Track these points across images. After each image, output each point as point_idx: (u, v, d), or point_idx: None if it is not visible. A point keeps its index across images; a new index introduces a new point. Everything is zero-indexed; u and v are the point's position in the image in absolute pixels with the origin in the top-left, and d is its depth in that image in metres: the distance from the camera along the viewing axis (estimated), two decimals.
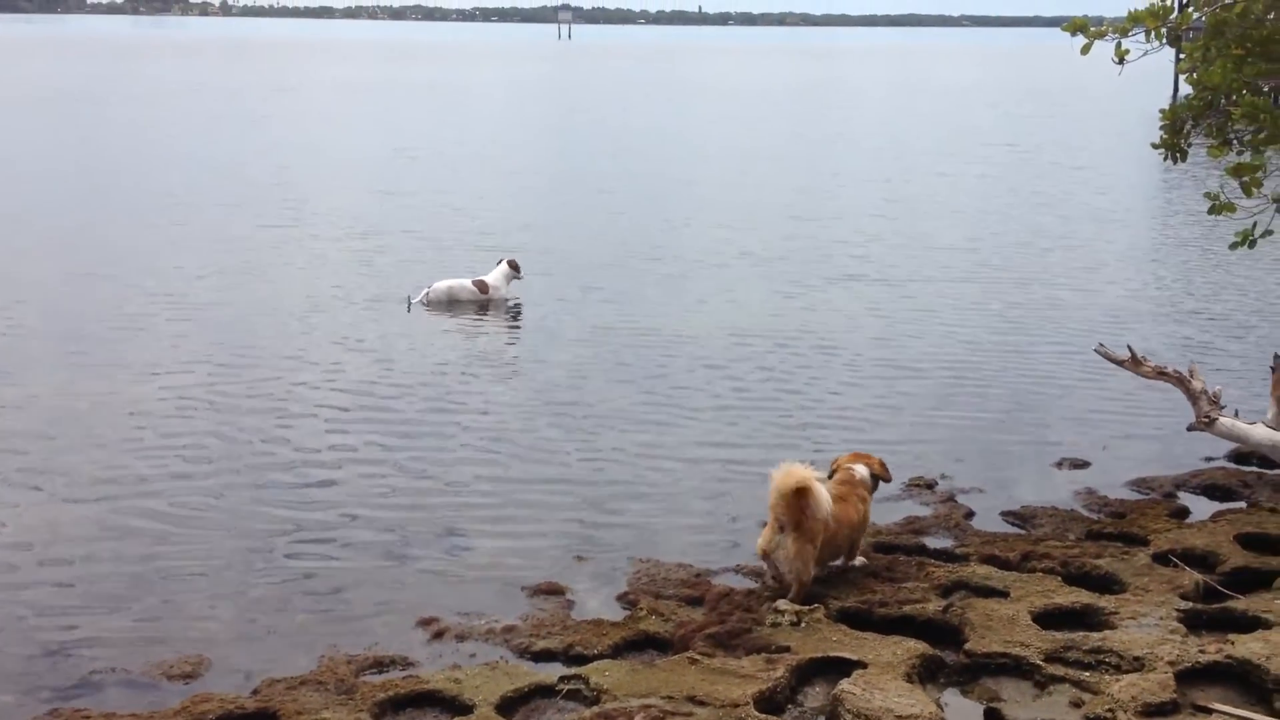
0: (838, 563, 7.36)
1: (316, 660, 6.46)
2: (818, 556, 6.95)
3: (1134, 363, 7.46)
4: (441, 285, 14.75)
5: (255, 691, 6.13)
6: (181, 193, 23.38)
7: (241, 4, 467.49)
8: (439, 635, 6.78)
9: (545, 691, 6.04)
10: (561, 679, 6.11)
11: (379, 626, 6.90)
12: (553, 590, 7.35)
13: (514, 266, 15.00)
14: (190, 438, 9.93)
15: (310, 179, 25.94)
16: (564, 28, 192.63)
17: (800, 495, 6.74)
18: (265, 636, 6.82)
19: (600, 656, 6.42)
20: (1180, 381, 7.09)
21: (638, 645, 6.63)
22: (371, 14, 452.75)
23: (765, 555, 7.03)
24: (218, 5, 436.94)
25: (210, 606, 7.14)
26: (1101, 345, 7.75)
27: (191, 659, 6.52)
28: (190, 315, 13.87)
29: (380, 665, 6.44)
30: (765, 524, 7.04)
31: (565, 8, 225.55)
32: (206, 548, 7.91)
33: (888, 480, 7.78)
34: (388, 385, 11.40)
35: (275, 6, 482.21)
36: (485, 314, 14.45)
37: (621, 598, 7.28)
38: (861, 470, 7.52)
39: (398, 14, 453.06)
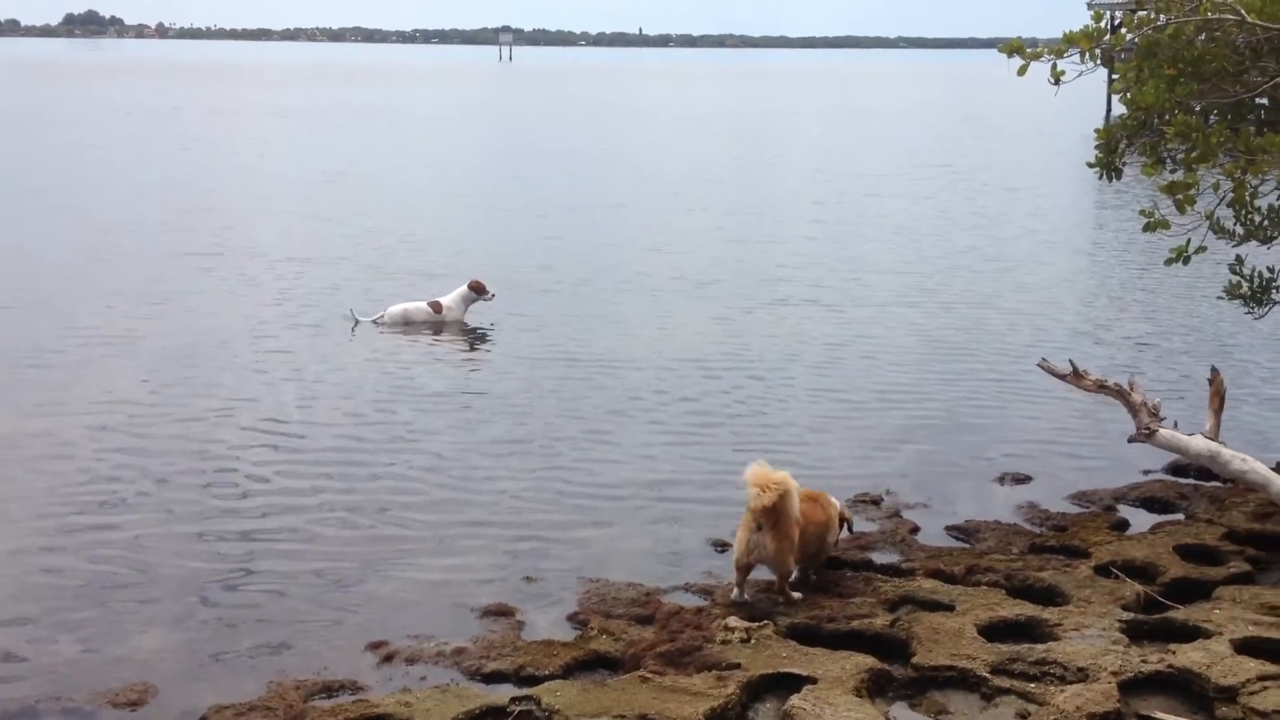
0: (795, 574, 7.49)
1: (264, 686, 6.41)
2: (795, 553, 7.24)
3: (1076, 376, 7.57)
4: (396, 309, 14.81)
5: (203, 719, 6.07)
6: (108, 218, 22.97)
7: (178, 26, 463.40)
8: (388, 659, 6.74)
9: (497, 713, 6.02)
10: (513, 700, 6.10)
11: (327, 651, 6.85)
12: (503, 611, 7.34)
13: (476, 289, 14.99)
14: (130, 468, 9.79)
15: (240, 204, 25.48)
16: (505, 49, 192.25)
17: (781, 499, 7.04)
18: (212, 663, 6.75)
19: (551, 677, 6.42)
20: (1121, 394, 7.21)
21: (589, 665, 6.63)
22: (310, 36, 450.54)
23: (744, 567, 7.24)
24: (154, 28, 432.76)
25: (155, 634, 7.06)
26: (1044, 360, 7.87)
27: (137, 687, 6.43)
28: (120, 345, 13.56)
29: (329, 690, 6.39)
30: (733, 537, 7.29)
31: (506, 29, 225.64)
32: (149, 576, 7.82)
33: (850, 531, 8.08)
34: (327, 412, 11.30)
35: (213, 29, 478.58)
36: (440, 334, 14.46)
37: (572, 618, 7.28)
38: (834, 501, 7.80)
39: (337, 36, 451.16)
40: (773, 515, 7.10)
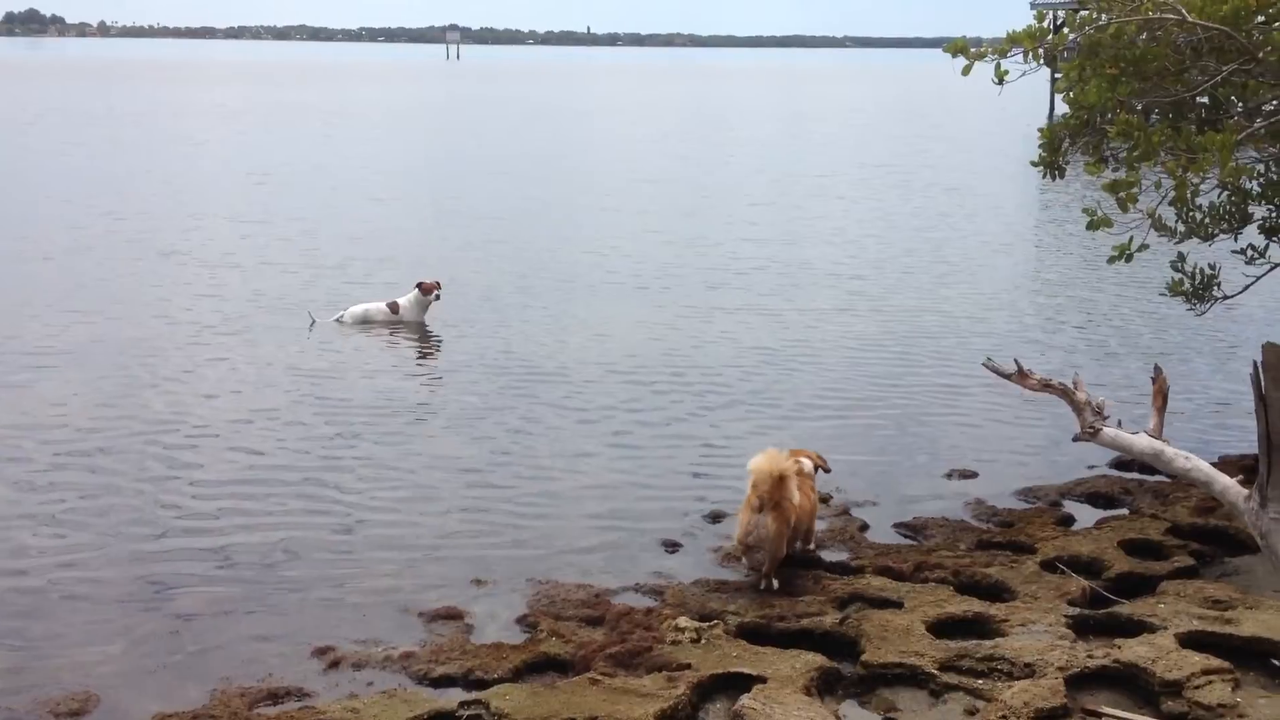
0: (796, 547, 7.90)
1: (209, 694, 6.32)
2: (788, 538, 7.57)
3: (1020, 376, 7.62)
4: (357, 309, 14.85)
5: None
6: (31, 222, 22.29)
7: (120, 25, 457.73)
8: (335, 664, 6.67)
9: (445, 718, 5.96)
10: (462, 705, 6.05)
11: (273, 657, 6.77)
12: (451, 615, 7.28)
13: (424, 289, 14.93)
14: (71, 472, 9.66)
15: (167, 207, 24.52)
16: (452, 48, 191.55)
17: (783, 479, 7.36)
18: (156, 671, 6.65)
19: (501, 680, 6.37)
20: (1065, 393, 7.26)
21: (538, 668, 6.59)
22: (255, 34, 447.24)
23: (747, 546, 7.46)
24: (95, 26, 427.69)
25: (98, 641, 6.95)
26: (989, 359, 7.91)
27: (79, 696, 6.33)
28: (53, 353, 13.20)
29: (275, 697, 6.31)
30: (740, 510, 7.55)
31: (453, 28, 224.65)
32: (93, 582, 7.70)
33: (827, 471, 8.53)
34: (270, 418, 11.14)
35: (156, 27, 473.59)
36: (396, 335, 14.42)
37: (521, 620, 7.24)
38: (806, 464, 8.17)
39: (282, 34, 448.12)
40: (775, 496, 7.35)
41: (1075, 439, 7.19)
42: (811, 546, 8.16)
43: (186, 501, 9.06)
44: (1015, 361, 7.68)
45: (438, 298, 14.93)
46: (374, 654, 6.76)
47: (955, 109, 64.96)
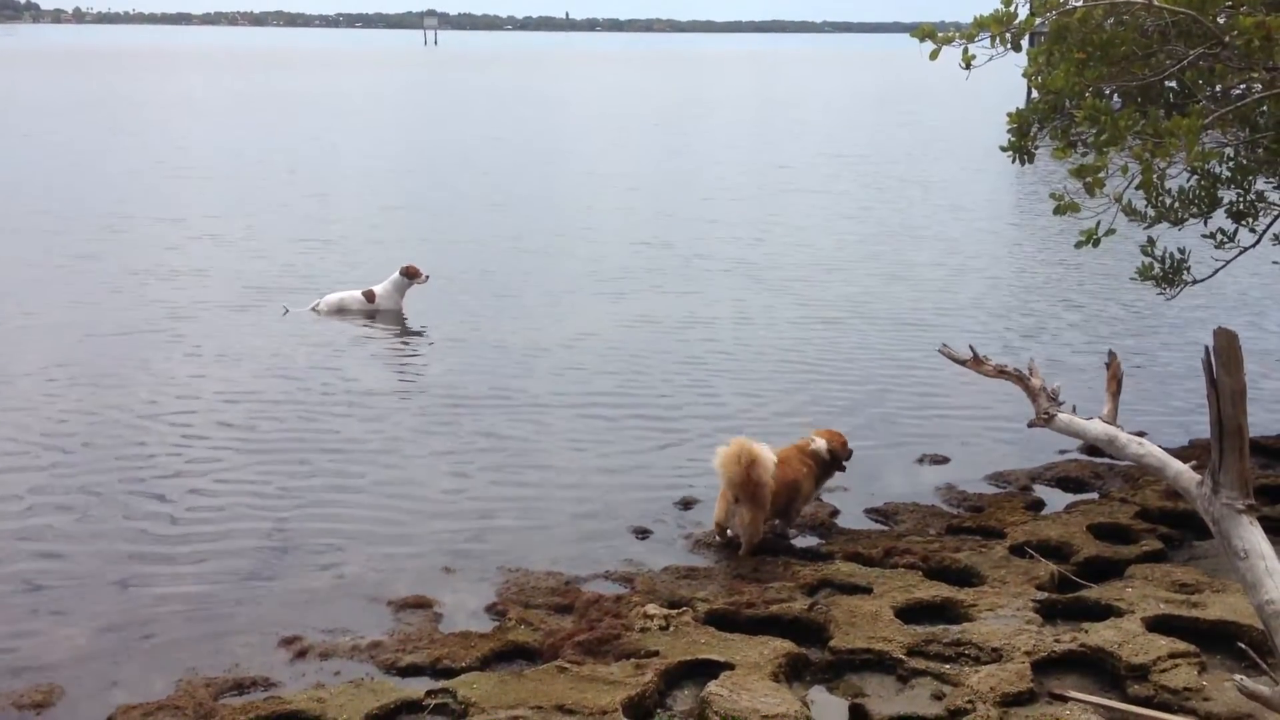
0: (774, 523, 8.22)
1: (174, 684, 6.28)
2: (767, 519, 7.98)
3: (976, 362, 7.60)
4: (333, 297, 14.80)
5: (110, 719, 5.94)
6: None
7: (96, 11, 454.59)
8: (302, 654, 6.63)
9: (412, 707, 5.95)
10: (428, 694, 6.03)
11: (239, 647, 6.73)
12: (420, 603, 7.25)
13: (408, 274, 14.90)
14: (41, 456, 9.61)
15: (107, 206, 22.91)
16: (430, 33, 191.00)
17: (751, 466, 7.62)
18: (121, 661, 6.60)
19: (468, 669, 6.36)
20: (1020, 379, 7.24)
21: (506, 656, 6.58)
22: (232, 20, 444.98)
23: (721, 527, 7.99)
24: (71, 13, 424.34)
25: (62, 633, 6.89)
26: (945, 346, 7.89)
27: (43, 687, 6.28)
28: (27, 340, 13.21)
29: (240, 687, 6.28)
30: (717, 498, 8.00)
31: (431, 13, 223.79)
32: (59, 569, 7.65)
33: (845, 456, 8.62)
34: (244, 403, 11.11)
35: (131, 13, 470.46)
36: (372, 323, 14.39)
37: (490, 608, 7.22)
38: (819, 443, 8.44)
39: (259, 20, 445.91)
40: (748, 487, 7.65)
41: (1030, 425, 7.19)
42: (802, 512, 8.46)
43: (153, 492, 9.00)
44: (970, 348, 7.67)
45: (427, 279, 14.91)
46: (341, 643, 6.73)
47: (931, 94, 64.98)
